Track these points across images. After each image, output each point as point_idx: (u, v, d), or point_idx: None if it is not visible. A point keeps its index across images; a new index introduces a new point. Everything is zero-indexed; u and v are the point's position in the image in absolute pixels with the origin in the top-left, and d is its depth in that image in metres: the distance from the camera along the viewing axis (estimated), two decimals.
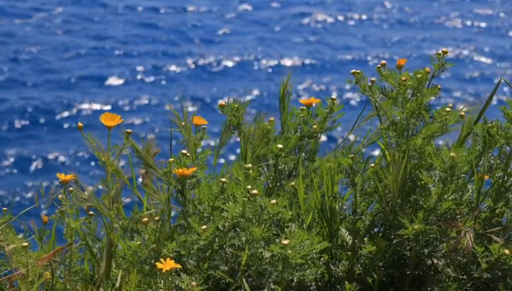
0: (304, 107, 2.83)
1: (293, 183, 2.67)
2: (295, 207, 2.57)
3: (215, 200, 2.52)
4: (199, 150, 2.74)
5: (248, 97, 15.64)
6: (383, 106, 2.72)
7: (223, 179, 2.52)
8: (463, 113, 2.81)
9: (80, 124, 2.52)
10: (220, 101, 2.76)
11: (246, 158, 2.78)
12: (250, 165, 2.48)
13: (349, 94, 16.24)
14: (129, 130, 2.52)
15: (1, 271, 2.43)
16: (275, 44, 19.44)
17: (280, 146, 2.72)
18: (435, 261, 2.64)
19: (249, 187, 2.39)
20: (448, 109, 2.67)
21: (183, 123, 2.76)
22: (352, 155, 2.66)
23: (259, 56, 18.44)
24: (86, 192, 2.45)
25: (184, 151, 2.61)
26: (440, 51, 2.71)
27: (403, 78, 2.63)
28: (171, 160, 2.59)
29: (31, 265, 2.27)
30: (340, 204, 2.68)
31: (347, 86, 16.50)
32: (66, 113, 15.14)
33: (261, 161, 2.75)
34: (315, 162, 2.81)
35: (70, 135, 14.43)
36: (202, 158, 2.70)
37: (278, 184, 2.73)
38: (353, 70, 2.73)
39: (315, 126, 2.80)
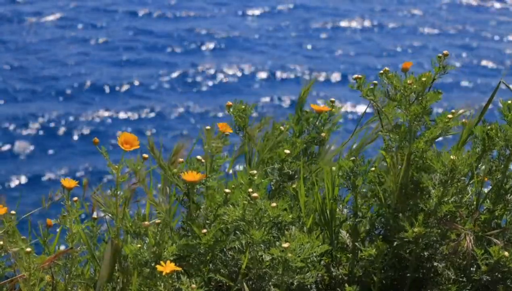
0: (309, 110, 2.85)
1: (294, 186, 2.68)
2: (296, 209, 2.58)
3: (217, 208, 2.52)
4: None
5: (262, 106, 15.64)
6: (385, 110, 2.73)
7: (227, 190, 2.53)
8: (465, 121, 2.81)
9: (96, 139, 2.52)
10: (228, 102, 2.77)
11: (250, 161, 2.79)
12: (255, 171, 2.49)
13: (356, 102, 16.23)
14: (146, 155, 2.52)
15: (3, 274, 2.44)
16: (285, 53, 19.42)
17: (287, 151, 2.73)
18: (435, 263, 2.64)
19: (250, 190, 2.39)
20: (450, 115, 2.68)
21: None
22: (353, 158, 2.67)
23: (270, 65, 18.40)
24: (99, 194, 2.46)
25: (199, 157, 2.60)
26: (440, 54, 2.71)
27: (409, 82, 2.64)
28: (180, 160, 2.60)
29: (33, 270, 2.28)
30: (341, 206, 2.69)
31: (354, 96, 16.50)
32: (69, 123, 15.09)
33: (266, 164, 2.76)
34: (317, 165, 2.81)
35: (71, 145, 14.37)
36: (217, 163, 2.68)
37: (280, 186, 2.74)
38: (355, 76, 2.74)
39: (323, 134, 2.82)
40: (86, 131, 14.59)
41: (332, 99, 2.84)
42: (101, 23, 20.81)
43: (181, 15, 21.80)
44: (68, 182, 2.57)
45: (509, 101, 2.73)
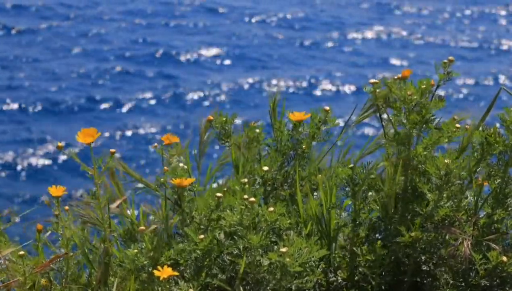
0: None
1: (289, 192, 2.66)
2: (294, 215, 2.57)
3: (211, 213, 2.52)
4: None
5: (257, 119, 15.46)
6: (393, 118, 2.72)
7: (219, 194, 2.53)
8: (467, 126, 2.80)
9: (60, 144, 2.50)
10: (209, 116, 2.78)
11: (238, 170, 2.80)
12: (246, 179, 2.49)
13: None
14: (113, 150, 2.51)
15: None
16: (276, 65, 19.38)
17: (265, 168, 2.72)
18: (433, 267, 2.63)
19: (245, 196, 2.39)
20: (458, 125, 2.67)
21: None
22: (352, 165, 2.65)
23: (261, 77, 18.35)
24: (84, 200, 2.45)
25: (181, 164, 2.62)
26: (446, 60, 2.70)
27: (409, 93, 2.63)
28: (165, 168, 2.60)
29: (28, 273, 2.27)
30: (339, 211, 2.68)
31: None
32: (57, 138, 14.91)
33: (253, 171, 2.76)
34: (307, 170, 2.80)
35: (61, 161, 14.24)
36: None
37: (271, 194, 2.73)
38: (372, 80, 2.72)
39: (304, 146, 2.78)
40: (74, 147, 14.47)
41: (327, 107, 2.81)
42: (97, 33, 20.67)
43: (178, 25, 21.73)
44: (56, 190, 2.56)
45: None
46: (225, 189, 2.57)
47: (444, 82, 2.71)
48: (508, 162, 2.71)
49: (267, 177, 2.70)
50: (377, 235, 2.71)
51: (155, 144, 2.72)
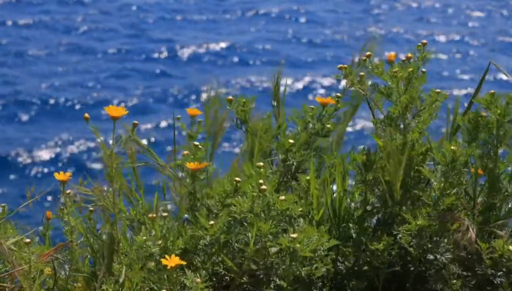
0: (308, 105, 2.82)
1: (307, 177, 2.61)
2: (306, 202, 2.52)
3: (226, 197, 2.45)
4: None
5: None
6: (376, 99, 2.69)
7: (237, 178, 2.47)
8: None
9: (86, 115, 2.42)
10: (229, 96, 2.73)
11: (252, 153, 2.74)
12: (261, 163, 2.44)
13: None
14: (136, 122, 2.44)
15: (2, 268, 2.34)
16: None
17: (291, 140, 2.70)
18: (438, 256, 2.59)
19: (261, 181, 2.32)
20: (438, 90, 2.66)
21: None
22: (367, 152, 2.61)
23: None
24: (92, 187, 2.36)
25: (196, 143, 2.55)
26: (420, 44, 2.67)
27: (394, 70, 2.61)
28: (185, 152, 2.53)
29: (33, 262, 2.19)
30: (349, 201, 2.64)
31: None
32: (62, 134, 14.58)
33: (268, 156, 2.72)
34: (322, 158, 2.77)
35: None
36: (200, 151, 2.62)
37: (284, 179, 2.68)
38: (340, 65, 2.69)
39: (329, 125, 2.79)
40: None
41: (338, 94, 2.81)
42: (96, 28, 20.23)
43: (179, 19, 21.37)
44: (62, 175, 2.53)
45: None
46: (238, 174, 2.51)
47: (423, 64, 2.67)
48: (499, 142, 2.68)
49: (293, 150, 2.65)
50: (383, 224, 2.67)
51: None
